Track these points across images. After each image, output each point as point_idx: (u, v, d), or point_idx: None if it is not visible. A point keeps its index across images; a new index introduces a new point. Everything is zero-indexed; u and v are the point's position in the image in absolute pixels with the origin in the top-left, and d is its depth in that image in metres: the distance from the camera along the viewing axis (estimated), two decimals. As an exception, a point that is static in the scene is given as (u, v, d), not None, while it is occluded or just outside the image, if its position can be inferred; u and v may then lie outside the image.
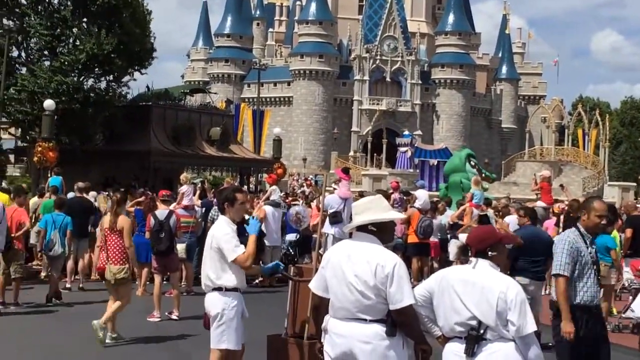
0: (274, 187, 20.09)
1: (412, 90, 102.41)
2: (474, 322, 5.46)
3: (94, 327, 11.32)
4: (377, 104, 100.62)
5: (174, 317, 13.55)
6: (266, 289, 17.77)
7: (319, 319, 6.05)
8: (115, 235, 11.85)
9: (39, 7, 33.41)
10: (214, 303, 7.66)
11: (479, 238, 5.74)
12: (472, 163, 28.57)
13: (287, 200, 22.69)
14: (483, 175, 28.06)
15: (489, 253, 5.62)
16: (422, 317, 5.77)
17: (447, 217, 20.19)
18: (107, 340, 11.46)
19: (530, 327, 5.41)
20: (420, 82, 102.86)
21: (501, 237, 5.79)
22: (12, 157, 49.32)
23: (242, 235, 7.81)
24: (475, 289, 5.50)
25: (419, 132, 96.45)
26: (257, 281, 18.43)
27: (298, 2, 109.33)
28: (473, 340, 5.46)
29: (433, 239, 19.37)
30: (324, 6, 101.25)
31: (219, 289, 7.68)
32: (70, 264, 16.85)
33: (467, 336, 5.48)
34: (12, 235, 14.29)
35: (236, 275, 7.65)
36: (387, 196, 16.78)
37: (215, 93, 62.00)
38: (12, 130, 38.47)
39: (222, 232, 7.70)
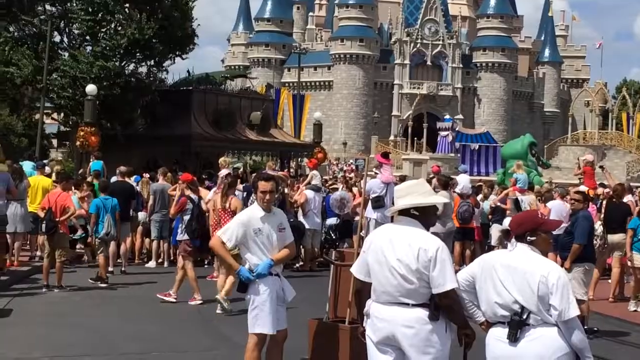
0: (315, 171, 20.07)
1: (453, 74, 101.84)
2: (516, 307, 5.39)
3: (217, 300, 12.50)
4: (418, 88, 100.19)
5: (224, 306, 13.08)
6: (307, 274, 17.78)
7: (360, 303, 6.02)
8: (228, 214, 12.85)
9: (81, -8, 33.59)
10: (248, 288, 7.64)
11: (517, 223, 5.68)
12: (533, 152, 28.61)
13: (327, 185, 22.66)
14: (541, 163, 28.03)
15: (528, 238, 5.54)
16: (465, 303, 5.71)
17: (490, 202, 20.02)
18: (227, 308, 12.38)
19: (573, 311, 5.32)
20: (461, 65, 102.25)
21: (541, 223, 5.70)
22: (55, 142, 49.93)
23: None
24: (516, 273, 5.43)
25: (460, 116, 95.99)
26: (297, 265, 18.45)
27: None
28: (516, 325, 5.39)
29: (475, 224, 19.21)
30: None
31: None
32: (112, 247, 16.99)
33: (510, 321, 5.41)
34: (57, 219, 14.41)
35: (254, 256, 7.60)
36: (430, 182, 16.68)
37: (255, 77, 62.10)
38: (55, 115, 38.86)
39: (234, 218, 7.87)
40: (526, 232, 5.57)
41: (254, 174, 22.12)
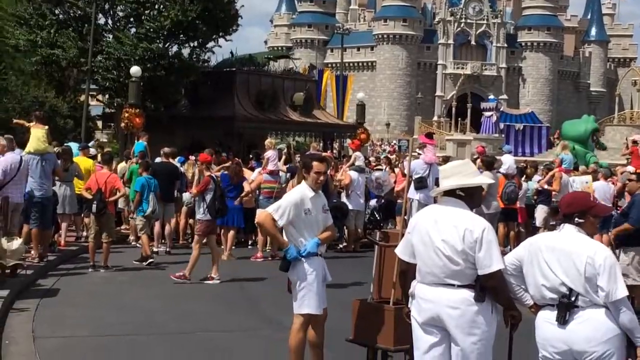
0: (358, 152, 20.01)
1: (498, 54, 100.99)
2: (564, 290, 5.33)
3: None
4: (462, 68, 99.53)
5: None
6: (351, 254, 17.77)
7: (405, 284, 5.99)
8: None
9: (125, -27, 33.74)
10: (294, 268, 7.63)
11: (567, 202, 5.61)
12: (594, 138, 28.45)
13: (370, 166, 22.60)
14: (598, 145, 27.91)
15: (576, 220, 5.46)
16: (513, 286, 5.66)
17: (535, 182, 19.81)
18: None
19: (621, 291, 5.25)
20: (505, 45, 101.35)
21: (591, 206, 5.61)
22: (99, 123, 50.33)
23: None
24: (562, 255, 5.37)
25: (504, 96, 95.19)
26: (340, 246, 18.44)
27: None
28: (564, 307, 5.33)
29: (519, 205, 19.03)
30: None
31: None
32: (157, 228, 17.10)
33: (559, 304, 5.35)
34: (106, 200, 14.53)
35: (302, 236, 7.60)
36: (474, 162, 16.53)
37: (298, 58, 62.01)
38: (100, 96, 39.17)
39: (284, 196, 7.84)
40: (575, 213, 5.50)
41: (298, 155, 22.16)
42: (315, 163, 7.72)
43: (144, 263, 15.30)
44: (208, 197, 13.87)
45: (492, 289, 5.52)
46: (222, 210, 14.15)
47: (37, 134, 14.78)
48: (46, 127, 15.20)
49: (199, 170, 14.50)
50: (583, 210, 5.51)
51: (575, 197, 5.75)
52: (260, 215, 7.91)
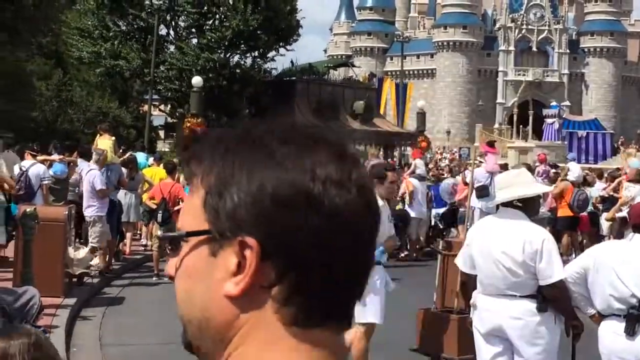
0: (419, 160, 19.95)
1: (560, 60, 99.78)
2: (633, 301, 5.25)
3: None
4: (523, 75, 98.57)
5: None
6: (412, 263, 17.70)
7: (467, 294, 5.97)
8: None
9: (187, -15, 34.17)
10: None
11: (637, 212, 5.51)
12: None
13: (431, 174, 22.52)
14: None
15: (647, 230, 5.39)
16: (575, 296, 5.60)
17: (597, 190, 19.53)
18: None
19: None
20: (568, 51, 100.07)
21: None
22: (162, 133, 50.98)
23: None
24: (632, 265, 5.29)
25: (566, 102, 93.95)
26: (402, 255, 18.38)
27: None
28: (634, 319, 5.25)
29: (583, 213, 18.78)
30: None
31: None
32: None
33: (627, 315, 5.27)
34: (171, 209, 14.69)
35: None
36: (531, 169, 16.38)
37: (358, 67, 62.03)
38: (162, 106, 39.69)
39: None
40: None
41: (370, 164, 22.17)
42: (389, 173, 7.75)
43: None
44: None
45: (554, 299, 5.48)
46: None
47: (104, 145, 15.02)
48: (113, 138, 15.47)
49: None
50: None
51: (645, 207, 5.68)
52: None
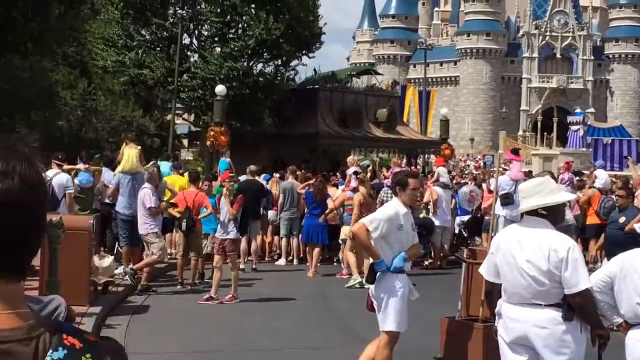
0: (442, 168, 19.91)
1: (584, 67, 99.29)
2: (662, 309, 5.21)
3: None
4: (547, 82, 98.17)
5: None
6: (436, 271, 17.65)
7: (492, 303, 5.95)
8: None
9: (210, -6, 34.31)
10: (380, 283, 7.63)
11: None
12: None
13: (454, 181, 22.47)
14: None
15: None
16: (601, 304, 5.56)
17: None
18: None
19: None
20: (592, 57, 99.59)
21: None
22: (185, 142, 51.17)
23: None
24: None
25: (591, 109, 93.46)
26: (426, 263, 18.33)
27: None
28: (663, 328, 5.21)
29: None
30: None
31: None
32: (243, 245, 17.24)
33: (656, 323, 5.24)
34: (194, 217, 14.74)
35: (392, 251, 7.58)
36: (554, 177, 16.30)
37: (381, 74, 62.05)
38: (186, 115, 39.83)
39: (379, 210, 7.83)
40: None
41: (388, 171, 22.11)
42: (411, 180, 7.74)
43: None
44: (239, 217, 13.61)
45: (580, 308, 5.43)
46: (245, 228, 14.08)
47: (131, 154, 15.10)
48: (139, 147, 15.55)
49: (227, 190, 13.94)
50: None
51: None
52: (356, 225, 7.91)
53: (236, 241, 13.67)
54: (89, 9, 35.23)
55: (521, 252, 5.56)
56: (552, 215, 5.64)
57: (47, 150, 16.21)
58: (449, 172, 23.10)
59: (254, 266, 17.40)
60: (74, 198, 14.01)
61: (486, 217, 18.18)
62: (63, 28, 31.09)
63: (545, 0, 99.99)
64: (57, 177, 13.68)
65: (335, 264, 18.18)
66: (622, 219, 10.27)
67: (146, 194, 13.95)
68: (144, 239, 14.13)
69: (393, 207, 7.79)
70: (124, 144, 15.69)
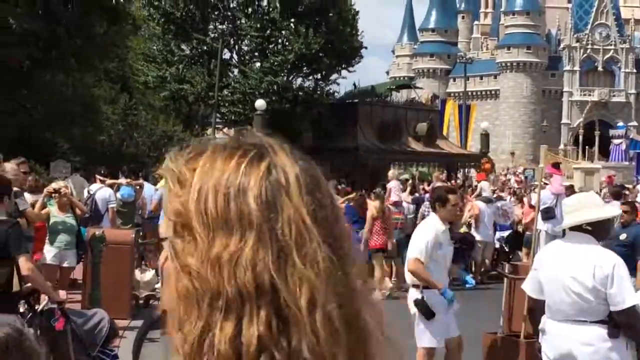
0: (485, 183, 19.81)
1: (627, 80, 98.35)
2: None
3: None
4: (589, 95, 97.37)
5: None
6: (477, 287, 17.51)
7: (535, 320, 5.89)
8: None
9: (249, 9, 34.55)
10: (411, 300, 7.59)
11: None
12: None
13: (495, 196, 22.33)
14: None
15: None
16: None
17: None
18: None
19: None
20: (635, 70, 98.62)
21: None
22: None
23: None
24: None
25: (634, 122, 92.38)
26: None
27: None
28: None
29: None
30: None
31: (416, 286, 7.60)
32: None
33: None
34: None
35: (433, 273, 7.52)
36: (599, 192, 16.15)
37: (420, 88, 61.96)
38: (226, 129, 40.05)
39: (417, 232, 7.75)
40: None
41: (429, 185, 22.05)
42: (451, 196, 7.66)
43: None
44: None
45: (626, 325, 5.36)
46: None
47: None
48: None
49: None
50: None
51: None
52: (410, 264, 7.67)
53: None
54: (130, 25, 35.63)
55: (565, 268, 5.49)
56: (597, 230, 5.57)
57: (89, 165, 16.41)
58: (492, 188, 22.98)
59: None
60: (116, 212, 14.14)
61: (527, 232, 18.04)
62: (105, 44, 31.47)
63: (587, 13, 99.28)
64: (100, 191, 13.81)
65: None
66: (623, 236, 10.06)
67: None
68: None
69: (431, 228, 7.68)
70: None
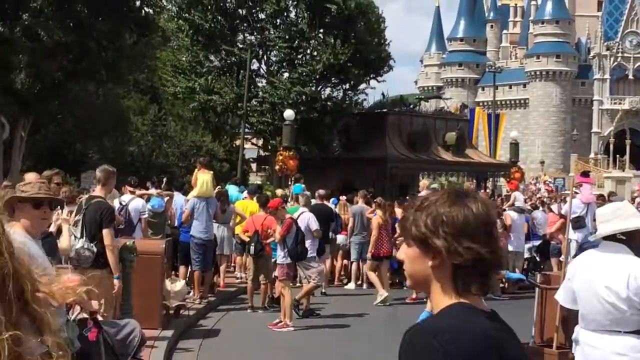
0: (517, 192, 19.73)
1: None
2: None
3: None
4: (619, 103, 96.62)
5: None
6: (508, 296, 17.42)
7: (568, 330, 5.84)
8: None
9: (278, 20, 34.68)
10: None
11: None
12: None
13: (530, 204, 22.24)
14: None
15: None
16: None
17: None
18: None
19: None
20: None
21: None
22: (254, 166, 51.59)
23: None
24: None
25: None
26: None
27: (533, 2, 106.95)
28: None
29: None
30: (560, 4, 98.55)
31: None
32: (324, 267, 17.23)
33: None
34: (263, 242, 14.79)
35: None
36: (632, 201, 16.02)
37: (449, 98, 61.80)
38: (254, 140, 40.20)
39: None
40: None
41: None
42: None
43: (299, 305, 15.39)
44: (289, 241, 13.51)
45: (661, 336, 5.31)
46: (303, 253, 13.82)
47: (206, 179, 15.26)
48: (211, 172, 15.76)
49: (278, 216, 13.89)
50: None
51: None
52: None
53: (285, 266, 13.55)
54: (159, 37, 35.90)
55: (599, 278, 5.44)
56: (631, 240, 5.52)
57: (119, 176, 16.48)
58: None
59: (323, 290, 17.38)
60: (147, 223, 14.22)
61: (552, 242, 17.93)
62: (135, 56, 31.73)
63: (617, 21, 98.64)
64: (133, 202, 13.89)
65: (405, 288, 18.08)
66: None
67: (310, 218, 14.19)
68: (302, 264, 14.13)
69: None
70: (197, 169, 15.92)
